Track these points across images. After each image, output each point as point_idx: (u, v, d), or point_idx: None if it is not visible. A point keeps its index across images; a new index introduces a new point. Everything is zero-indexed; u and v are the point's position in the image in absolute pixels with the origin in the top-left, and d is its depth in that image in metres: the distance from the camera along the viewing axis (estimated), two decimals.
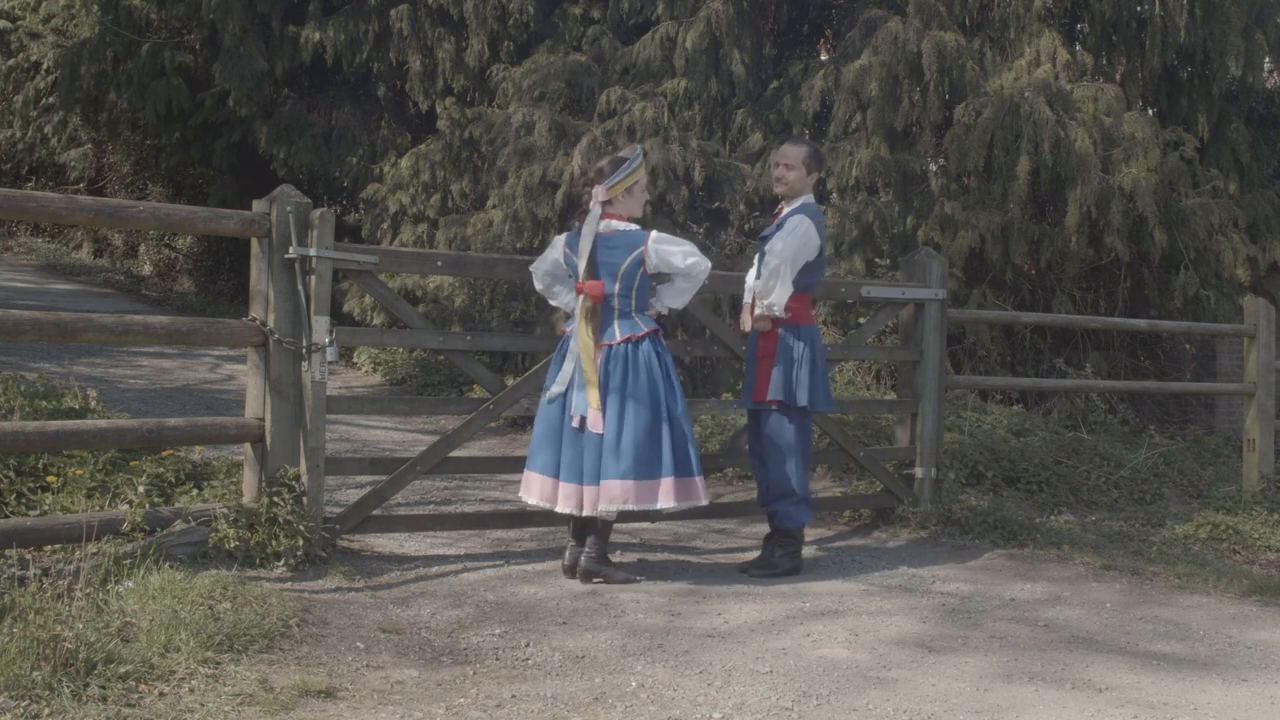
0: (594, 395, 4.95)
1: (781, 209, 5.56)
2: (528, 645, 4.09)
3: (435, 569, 5.06)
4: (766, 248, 5.43)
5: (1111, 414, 9.37)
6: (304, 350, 4.87)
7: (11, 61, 15.66)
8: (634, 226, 5.11)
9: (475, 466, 6.39)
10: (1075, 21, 10.28)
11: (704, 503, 5.09)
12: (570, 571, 5.07)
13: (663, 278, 5.20)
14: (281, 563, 4.66)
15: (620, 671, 3.87)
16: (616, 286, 5.02)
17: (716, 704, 3.60)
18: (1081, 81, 9.19)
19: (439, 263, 5.83)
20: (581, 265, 5.07)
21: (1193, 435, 9.63)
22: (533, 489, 5.12)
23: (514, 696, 3.56)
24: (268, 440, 4.85)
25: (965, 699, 3.78)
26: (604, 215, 5.08)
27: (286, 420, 4.88)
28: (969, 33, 9.42)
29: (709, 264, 5.17)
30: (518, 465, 6.58)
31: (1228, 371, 10.71)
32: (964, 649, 4.35)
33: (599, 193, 5.07)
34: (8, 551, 4.22)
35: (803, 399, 5.35)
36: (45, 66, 14.97)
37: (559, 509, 5.03)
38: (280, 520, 4.69)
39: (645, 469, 4.91)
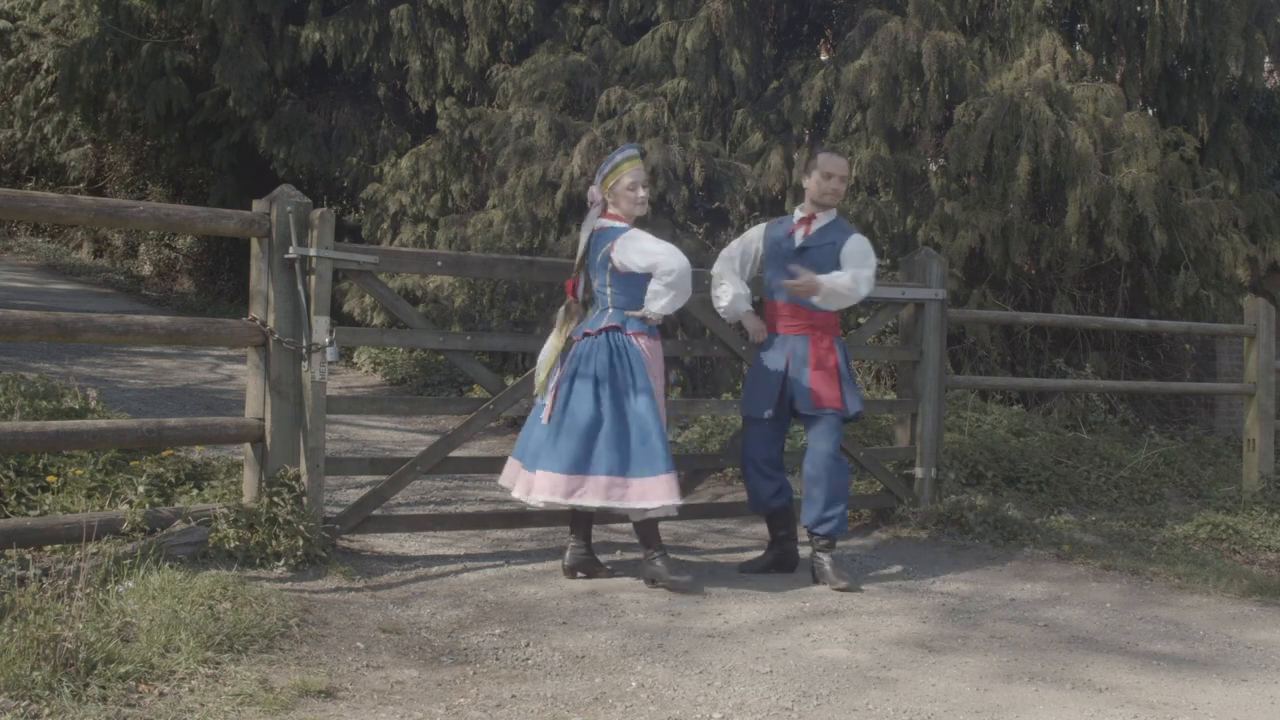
0: (538, 382, 5.06)
1: (813, 217, 5.45)
2: (528, 645, 4.09)
3: (435, 569, 5.06)
4: (845, 257, 5.33)
5: (1111, 414, 9.37)
6: (304, 350, 4.87)
7: (11, 61, 15.67)
8: (622, 224, 5.04)
9: (475, 466, 6.37)
10: (1075, 21, 10.28)
11: (639, 505, 4.81)
12: (570, 572, 5.06)
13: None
14: (281, 563, 4.65)
15: (620, 671, 3.87)
16: (595, 282, 5.06)
17: (716, 704, 3.60)
18: (1081, 81, 9.19)
19: (439, 263, 5.83)
20: (576, 261, 5.16)
21: (1193, 435, 9.63)
22: (504, 471, 5.17)
23: (514, 696, 3.56)
24: (268, 440, 4.85)
25: (965, 699, 3.78)
26: (602, 214, 5.09)
27: (286, 420, 4.88)
28: (969, 33, 9.42)
29: (678, 264, 4.87)
30: None
31: (1228, 371, 10.71)
32: (964, 649, 4.35)
33: (594, 192, 5.10)
34: (8, 551, 4.22)
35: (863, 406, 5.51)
36: (45, 66, 14.98)
37: (514, 493, 5.02)
38: (280, 520, 4.69)
39: (576, 464, 4.81)
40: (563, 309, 5.11)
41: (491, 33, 10.72)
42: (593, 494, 4.79)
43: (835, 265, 5.35)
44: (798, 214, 5.55)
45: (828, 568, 5.23)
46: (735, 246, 5.63)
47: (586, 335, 5.00)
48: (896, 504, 6.51)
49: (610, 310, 5.02)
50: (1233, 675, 4.22)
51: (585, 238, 5.09)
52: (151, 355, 10.83)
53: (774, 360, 5.41)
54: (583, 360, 4.95)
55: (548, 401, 4.96)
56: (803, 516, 5.37)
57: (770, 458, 5.44)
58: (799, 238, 5.45)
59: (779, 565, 5.45)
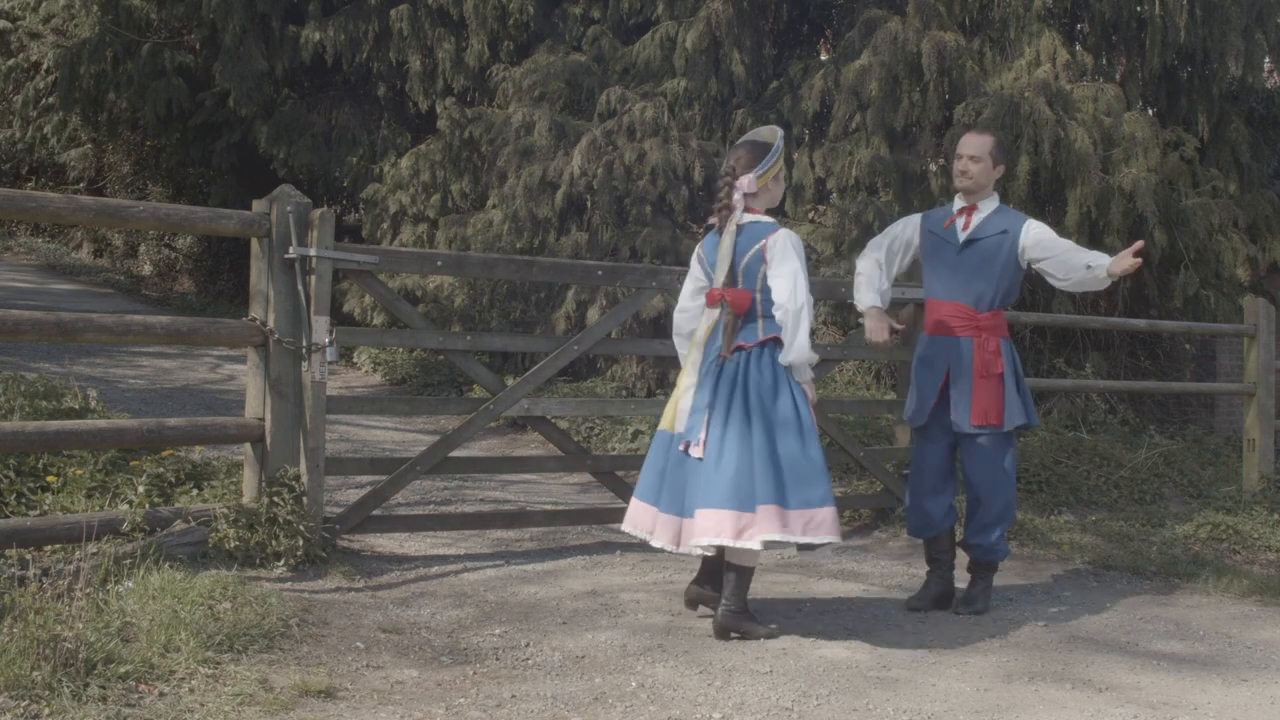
0: (680, 411, 4.41)
1: (974, 206, 4.95)
2: (528, 645, 4.09)
3: (435, 569, 5.06)
4: (1043, 245, 4.86)
5: (1111, 414, 9.36)
6: (304, 350, 4.87)
7: (11, 61, 15.68)
8: (767, 218, 4.48)
9: (475, 466, 6.40)
10: (1075, 21, 10.28)
11: (798, 539, 4.23)
12: (693, 604, 4.56)
13: None
14: (281, 563, 4.66)
15: (620, 671, 3.87)
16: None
17: (716, 704, 3.60)
18: (1081, 81, 9.18)
19: (439, 263, 5.83)
20: (722, 272, 4.44)
21: (1193, 435, 9.62)
22: (630, 517, 4.50)
23: (514, 696, 3.56)
24: (268, 440, 4.85)
25: (965, 699, 3.78)
26: (746, 209, 4.46)
27: (286, 420, 4.88)
28: (969, 33, 9.42)
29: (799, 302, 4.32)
30: (518, 465, 6.62)
31: (1228, 371, 10.70)
32: (964, 649, 4.35)
33: (748, 183, 4.40)
34: (8, 551, 4.22)
35: (1035, 417, 4.97)
36: (45, 66, 14.98)
37: (654, 543, 4.37)
38: (280, 520, 4.69)
39: (742, 498, 4.19)
40: (722, 322, 4.45)
41: (491, 33, 10.72)
42: (761, 527, 4.17)
43: (1010, 256, 4.88)
44: (958, 203, 5.02)
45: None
46: (882, 239, 5.11)
47: (739, 349, 4.39)
48: (896, 504, 6.50)
49: (758, 320, 4.41)
50: (1233, 675, 4.22)
51: (732, 238, 4.41)
52: (151, 355, 10.83)
53: (934, 365, 4.96)
54: (737, 383, 4.36)
55: (702, 434, 4.31)
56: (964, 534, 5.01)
57: (941, 471, 5.00)
58: (960, 230, 4.96)
59: (942, 601, 4.94)
